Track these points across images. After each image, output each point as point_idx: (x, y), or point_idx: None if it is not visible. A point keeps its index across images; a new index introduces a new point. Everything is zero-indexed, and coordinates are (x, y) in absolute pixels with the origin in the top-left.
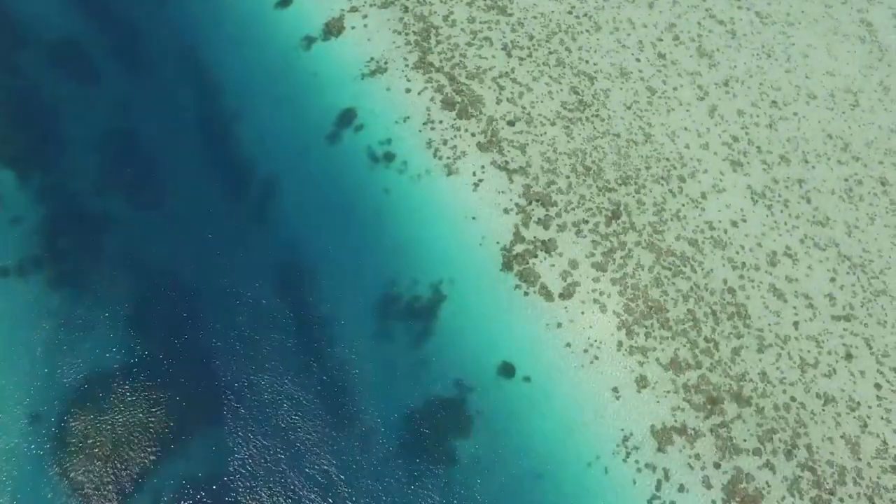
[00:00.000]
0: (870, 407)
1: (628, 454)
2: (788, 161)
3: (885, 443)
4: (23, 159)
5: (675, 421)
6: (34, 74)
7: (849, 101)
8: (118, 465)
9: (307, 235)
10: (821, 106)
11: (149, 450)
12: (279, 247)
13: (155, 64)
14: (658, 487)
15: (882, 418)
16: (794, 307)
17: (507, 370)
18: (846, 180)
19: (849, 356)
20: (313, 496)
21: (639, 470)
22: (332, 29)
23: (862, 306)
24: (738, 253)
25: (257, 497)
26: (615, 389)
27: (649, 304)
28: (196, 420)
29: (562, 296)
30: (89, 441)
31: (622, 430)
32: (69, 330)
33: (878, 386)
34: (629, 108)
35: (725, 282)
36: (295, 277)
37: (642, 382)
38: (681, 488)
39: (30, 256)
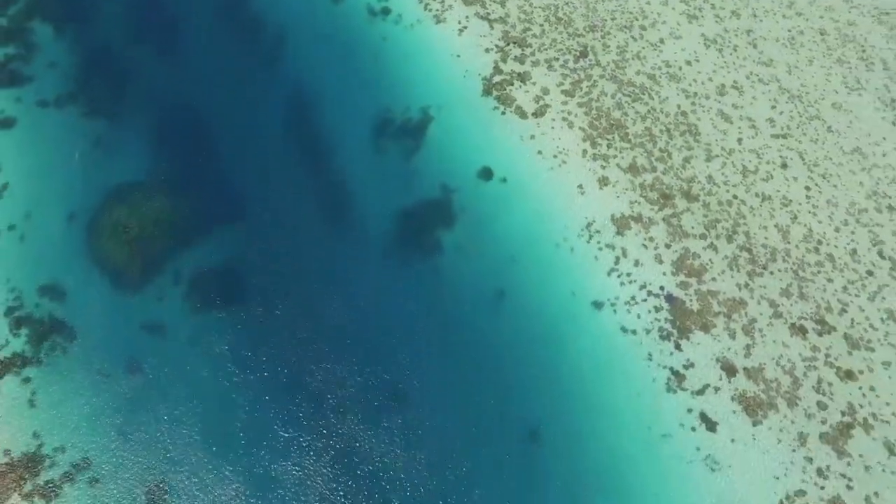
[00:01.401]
0: (800, 204)
1: (591, 237)
2: (739, 15)
3: (810, 230)
4: (58, 13)
5: (632, 211)
6: None
7: None
8: (143, 250)
9: (313, 76)
10: None
11: (171, 240)
12: (288, 85)
13: None
14: (616, 262)
15: (809, 212)
16: (739, 127)
17: (486, 173)
18: (789, 31)
19: (784, 165)
20: (317, 282)
21: (600, 249)
22: None
23: (798, 128)
24: (690, 85)
25: (266, 282)
26: (580, 186)
27: (611, 122)
28: (214, 219)
29: (534, 114)
30: (118, 231)
31: (586, 218)
32: (101, 149)
33: (807, 188)
34: None
35: (679, 107)
36: (302, 108)
37: (604, 182)
38: (636, 263)
39: (65, 93)
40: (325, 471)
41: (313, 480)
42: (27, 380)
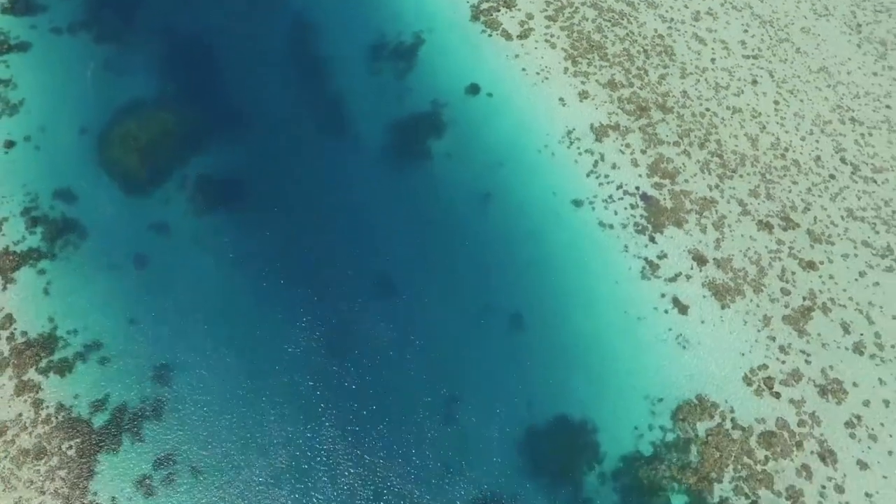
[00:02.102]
0: (768, 116)
1: (571, 143)
2: None
3: (778, 139)
4: None
5: (610, 121)
6: None
7: None
8: (151, 157)
9: (312, 2)
10: None
11: (176, 149)
12: (288, 10)
13: None
14: (595, 165)
15: (777, 123)
16: (713, 49)
17: (474, 89)
18: None
19: (755, 82)
20: (314, 186)
21: (580, 154)
22: None
23: (768, 49)
24: (667, 11)
25: (265, 188)
26: (561, 99)
27: (591, 43)
28: (217, 131)
29: (519, 37)
30: (127, 141)
31: (566, 127)
32: (111, 70)
33: (776, 102)
34: None
35: (656, 31)
36: (301, 32)
37: (584, 95)
38: (613, 166)
39: (77, 21)
40: (322, 351)
41: (309, 359)
42: (42, 271)
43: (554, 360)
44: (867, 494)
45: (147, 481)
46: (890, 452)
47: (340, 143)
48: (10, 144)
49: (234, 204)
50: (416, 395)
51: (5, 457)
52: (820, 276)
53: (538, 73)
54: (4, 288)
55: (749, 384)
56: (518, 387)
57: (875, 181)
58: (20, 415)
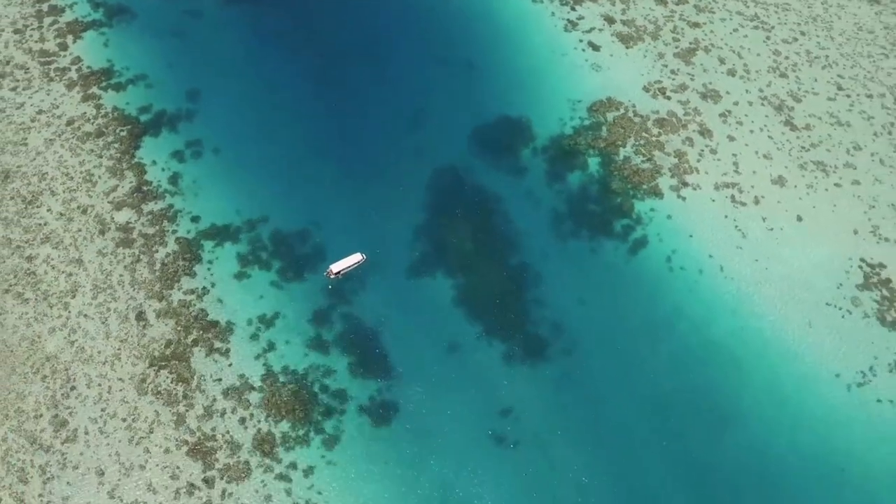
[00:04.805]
0: None
1: None
2: None
3: None
4: None
5: None
6: None
7: None
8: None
9: None
10: None
11: None
12: None
13: None
14: None
15: None
16: None
17: None
18: None
19: None
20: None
21: None
22: None
23: None
24: None
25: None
26: None
27: None
28: None
29: None
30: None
31: None
32: None
33: None
34: None
35: None
36: None
37: None
38: None
39: None
40: (318, 82)
41: (307, 85)
42: (102, 34)
43: (499, 85)
44: (734, 154)
45: (179, 154)
46: (751, 132)
47: None
48: None
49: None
50: (394, 112)
51: (73, 137)
52: (703, 31)
53: None
54: (75, 41)
55: (647, 91)
56: (472, 102)
57: None
58: (84, 113)
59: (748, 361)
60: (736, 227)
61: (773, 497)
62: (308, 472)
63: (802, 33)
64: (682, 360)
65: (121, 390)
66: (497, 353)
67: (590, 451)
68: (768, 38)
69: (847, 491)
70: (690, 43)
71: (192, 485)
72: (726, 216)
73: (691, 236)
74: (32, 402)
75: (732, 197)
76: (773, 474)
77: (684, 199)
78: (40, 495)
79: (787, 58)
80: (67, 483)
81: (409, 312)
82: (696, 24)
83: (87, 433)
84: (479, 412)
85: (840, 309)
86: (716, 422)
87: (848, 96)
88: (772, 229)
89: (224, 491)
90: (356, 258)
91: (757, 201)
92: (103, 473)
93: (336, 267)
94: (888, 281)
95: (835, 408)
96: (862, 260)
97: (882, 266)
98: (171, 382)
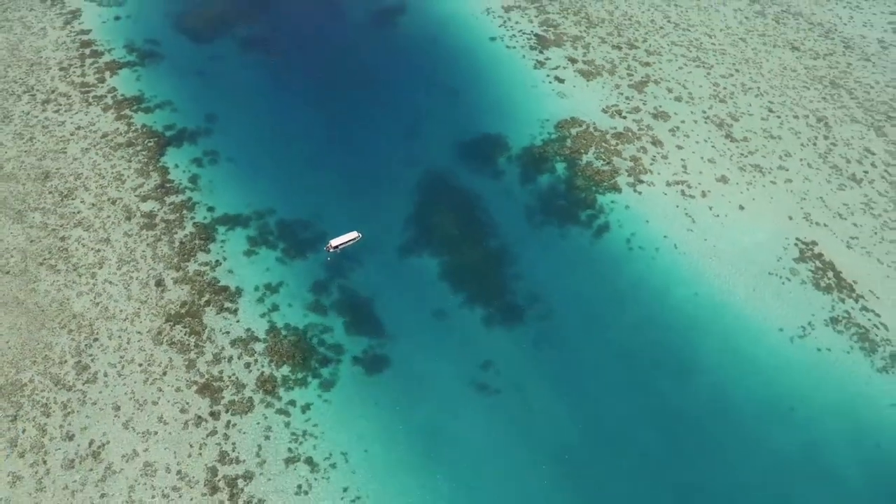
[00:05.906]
0: (624, 1)
1: (488, 13)
2: None
3: (626, 12)
4: None
5: (515, 3)
6: None
7: None
8: (211, 25)
9: None
10: None
11: (228, 23)
12: None
13: None
14: (504, 22)
15: (626, 4)
16: None
17: None
18: None
19: None
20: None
21: (493, 19)
22: None
23: None
24: None
25: (283, 42)
26: None
27: None
28: (253, 13)
29: None
30: (195, 17)
31: (486, 6)
32: None
33: None
34: None
35: None
36: None
37: None
38: (517, 22)
39: None
40: (323, 89)
41: (311, 93)
42: (135, 71)
43: (479, 108)
44: (682, 159)
45: (198, 160)
46: (697, 143)
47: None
48: (117, 18)
49: (263, 47)
50: (388, 129)
51: (106, 146)
52: (653, 69)
53: None
54: (111, 76)
55: (605, 112)
56: (455, 122)
57: (688, 29)
58: (117, 128)
59: (703, 321)
60: (686, 214)
61: (732, 433)
62: (306, 408)
63: (737, 70)
64: (645, 321)
65: (139, 341)
66: (478, 317)
67: (565, 398)
68: (709, 73)
69: (796, 425)
70: (642, 77)
71: (199, 417)
72: (677, 206)
73: (647, 222)
74: (58, 350)
75: (682, 192)
76: (731, 413)
77: (640, 193)
78: (61, 426)
79: (725, 88)
80: (86, 416)
81: (399, 284)
82: (647, 64)
83: (106, 375)
84: (463, 365)
85: (780, 277)
86: (677, 371)
87: (778, 117)
88: (718, 216)
89: (229, 423)
90: (353, 235)
91: (704, 195)
92: (119, 408)
93: (335, 241)
94: (820, 255)
95: (781, 356)
96: (797, 239)
97: (815, 243)
98: (185, 335)
